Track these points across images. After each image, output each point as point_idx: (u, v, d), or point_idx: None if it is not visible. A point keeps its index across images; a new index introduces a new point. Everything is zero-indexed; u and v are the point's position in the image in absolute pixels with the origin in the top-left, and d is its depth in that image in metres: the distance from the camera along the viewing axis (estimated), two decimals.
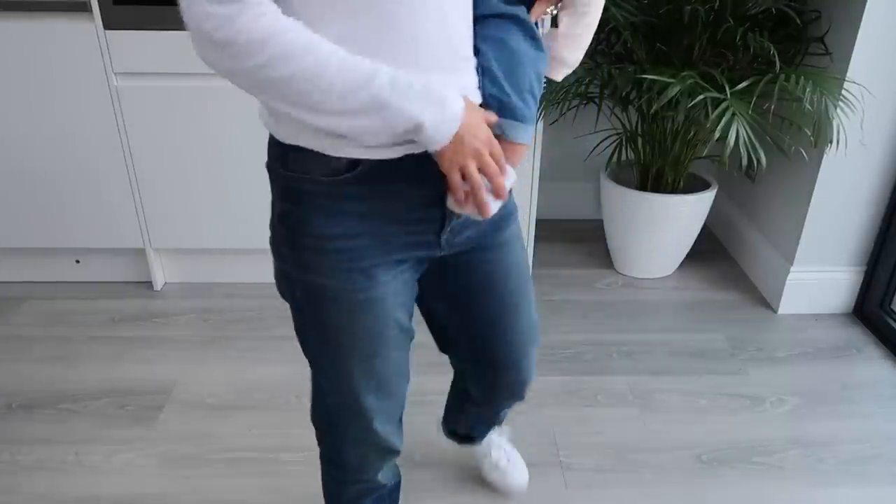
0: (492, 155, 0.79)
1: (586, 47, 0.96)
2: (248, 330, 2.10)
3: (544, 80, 0.92)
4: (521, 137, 0.85)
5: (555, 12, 0.92)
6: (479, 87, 0.85)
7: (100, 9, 1.86)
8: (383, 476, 1.15)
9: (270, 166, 0.87)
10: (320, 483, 1.55)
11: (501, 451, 1.51)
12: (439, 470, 1.61)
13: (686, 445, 1.68)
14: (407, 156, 0.81)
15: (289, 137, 0.81)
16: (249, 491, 1.54)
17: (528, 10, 0.88)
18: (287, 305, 2.20)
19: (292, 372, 1.92)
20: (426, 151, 0.80)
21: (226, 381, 1.88)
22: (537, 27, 0.91)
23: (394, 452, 1.09)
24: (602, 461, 1.63)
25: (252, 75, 0.71)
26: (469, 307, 1.03)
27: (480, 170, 0.78)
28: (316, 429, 1.08)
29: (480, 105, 0.84)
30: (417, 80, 0.75)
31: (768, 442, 1.69)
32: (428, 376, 1.67)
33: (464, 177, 0.79)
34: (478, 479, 1.58)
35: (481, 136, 0.78)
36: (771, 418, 1.77)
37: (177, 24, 1.88)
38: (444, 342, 1.14)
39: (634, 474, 1.60)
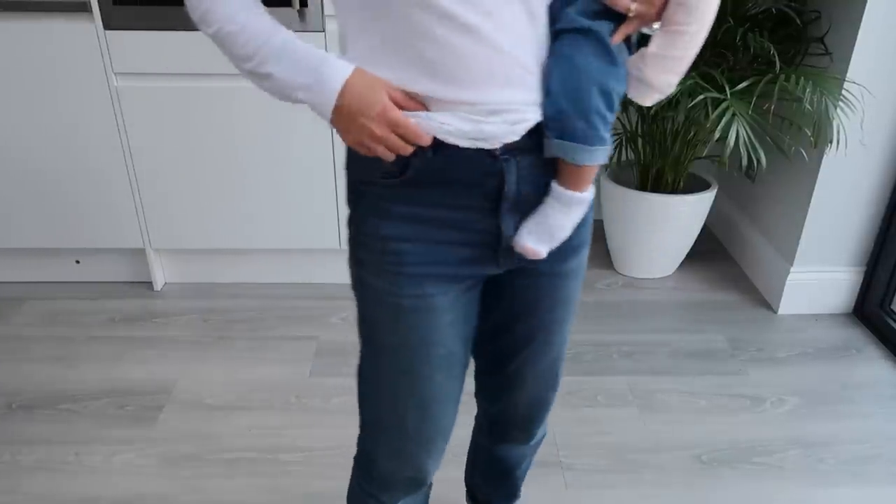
0: (398, 129, 0.77)
1: (682, 72, 0.84)
2: (249, 330, 2.10)
3: (623, 92, 0.84)
4: (581, 159, 0.80)
5: (652, 31, 0.83)
6: (541, 106, 0.81)
7: (100, 9, 1.87)
8: None
9: (345, 169, 0.89)
10: (320, 483, 1.56)
11: None
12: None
13: (686, 445, 1.68)
14: (453, 167, 0.80)
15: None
16: (249, 491, 1.54)
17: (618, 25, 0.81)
18: (287, 306, 2.20)
19: (292, 372, 1.92)
20: (475, 159, 0.80)
21: (226, 382, 1.88)
22: (630, 45, 0.84)
23: (421, 483, 1.04)
24: (602, 461, 1.63)
25: (199, 27, 0.83)
26: (507, 323, 1.00)
27: (385, 141, 0.78)
28: (360, 429, 1.03)
29: (542, 124, 0.81)
30: (306, 51, 0.77)
31: (768, 442, 1.69)
32: None
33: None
34: None
35: (372, 111, 0.76)
36: (771, 418, 1.77)
37: (177, 24, 1.89)
38: (476, 352, 1.09)
39: (634, 474, 1.60)
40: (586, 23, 0.79)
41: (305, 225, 2.19)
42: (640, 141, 2.26)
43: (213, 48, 1.90)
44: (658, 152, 2.22)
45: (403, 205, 0.83)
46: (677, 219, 2.25)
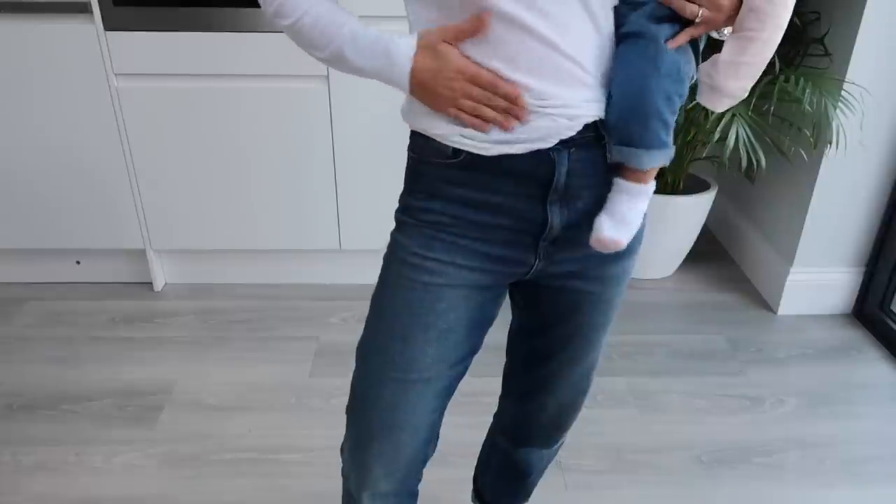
0: (481, 84, 0.79)
1: (755, 77, 0.84)
2: (249, 331, 2.10)
3: (684, 97, 0.84)
4: (641, 164, 0.82)
5: (724, 37, 0.84)
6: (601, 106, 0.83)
7: (100, 10, 1.87)
8: None
9: (408, 151, 0.92)
10: (320, 483, 1.56)
11: None
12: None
13: (686, 446, 1.68)
14: (506, 154, 0.82)
15: (411, 125, 0.89)
16: (249, 491, 1.54)
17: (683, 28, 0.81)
18: (287, 307, 2.20)
19: (292, 373, 1.92)
20: (530, 153, 0.82)
21: (226, 382, 1.88)
22: (698, 46, 0.85)
23: (370, 485, 1.02)
24: (602, 462, 1.63)
25: (272, 21, 0.87)
26: (542, 328, 1.00)
27: (477, 101, 0.80)
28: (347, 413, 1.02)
29: (595, 122, 0.82)
30: (375, 38, 0.83)
31: (768, 443, 1.69)
32: None
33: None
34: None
35: (451, 77, 0.80)
36: (770, 419, 1.77)
37: (177, 25, 1.89)
38: (508, 353, 1.10)
39: (634, 475, 1.60)
40: (650, 28, 0.79)
41: (305, 225, 2.19)
42: None
43: (213, 49, 1.91)
44: None
45: (456, 186, 0.86)
46: (677, 219, 2.25)
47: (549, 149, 0.82)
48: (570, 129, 0.81)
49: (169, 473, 1.59)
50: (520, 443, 1.18)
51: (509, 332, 1.08)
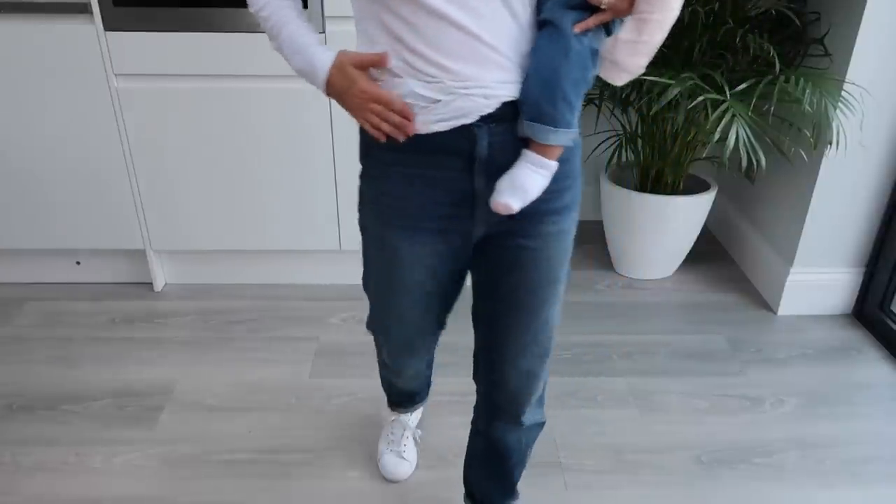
0: (380, 103, 0.94)
1: (651, 54, 0.95)
2: (249, 331, 2.10)
3: (590, 84, 0.94)
4: (547, 139, 0.92)
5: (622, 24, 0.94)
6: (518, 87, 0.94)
7: (100, 10, 1.87)
8: (404, 383, 1.46)
9: (358, 133, 1.06)
10: (320, 484, 1.56)
11: None
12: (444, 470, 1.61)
13: (686, 446, 1.68)
14: (435, 132, 0.95)
15: None
16: (249, 492, 1.54)
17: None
18: (287, 307, 2.21)
19: (292, 373, 1.92)
20: (455, 129, 0.94)
21: (226, 383, 1.88)
22: (611, 29, 0.94)
23: (396, 373, 1.38)
24: (602, 462, 1.63)
25: (249, 6, 1.02)
26: (492, 287, 1.10)
27: (377, 114, 0.95)
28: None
29: (513, 101, 0.94)
30: (304, 44, 0.98)
31: (768, 443, 1.69)
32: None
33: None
34: None
35: (353, 92, 0.95)
36: (771, 419, 1.77)
37: (177, 25, 1.89)
38: (473, 321, 1.19)
39: (634, 475, 1.60)
40: (562, 15, 0.89)
41: (306, 226, 2.19)
42: (639, 142, 2.26)
43: (213, 49, 1.91)
44: (658, 153, 2.23)
45: (399, 166, 1.00)
46: (677, 220, 2.25)
47: (472, 124, 0.93)
48: (488, 107, 0.93)
49: (169, 474, 1.59)
50: (491, 419, 1.25)
51: (472, 303, 1.16)
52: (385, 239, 1.06)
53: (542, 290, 1.07)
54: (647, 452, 1.66)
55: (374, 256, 1.12)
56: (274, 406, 1.80)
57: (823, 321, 2.18)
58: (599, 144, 2.49)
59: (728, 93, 1.84)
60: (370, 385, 1.87)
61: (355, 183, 2.11)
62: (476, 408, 1.30)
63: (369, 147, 1.04)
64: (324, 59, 0.96)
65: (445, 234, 1.04)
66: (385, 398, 1.64)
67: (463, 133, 0.94)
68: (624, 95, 2.12)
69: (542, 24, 0.91)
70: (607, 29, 0.93)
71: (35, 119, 2.02)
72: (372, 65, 0.94)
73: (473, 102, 0.92)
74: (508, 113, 0.94)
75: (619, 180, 2.36)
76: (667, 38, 2.03)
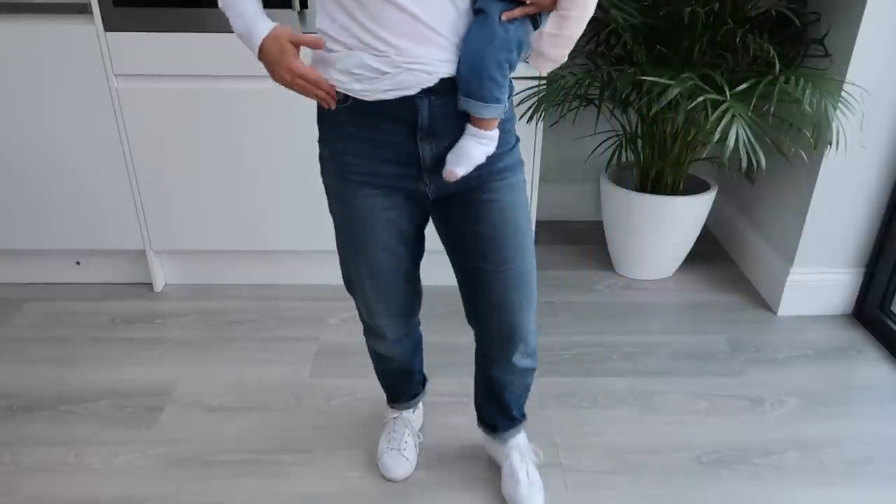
0: (307, 80, 1.07)
1: (570, 46, 1.08)
2: (249, 332, 2.10)
3: (514, 67, 1.07)
4: (479, 113, 1.06)
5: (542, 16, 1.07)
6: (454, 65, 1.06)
7: (100, 10, 1.87)
8: (390, 350, 1.45)
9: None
10: (320, 484, 1.56)
11: (523, 465, 1.51)
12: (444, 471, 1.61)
13: (686, 447, 1.68)
14: (382, 100, 1.06)
15: None
16: (249, 492, 1.54)
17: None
18: (287, 307, 2.21)
19: (292, 374, 1.92)
20: (399, 99, 1.06)
21: (226, 383, 1.88)
22: (538, 23, 1.07)
23: (381, 335, 1.39)
24: (602, 462, 1.63)
25: None
26: (462, 241, 1.22)
27: (303, 88, 1.08)
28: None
29: (450, 78, 1.06)
30: (250, 12, 1.08)
31: (768, 443, 1.69)
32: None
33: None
34: (476, 481, 1.58)
35: (283, 64, 1.07)
36: (770, 420, 1.77)
37: (177, 25, 1.89)
38: (457, 279, 1.31)
39: (634, 476, 1.60)
40: (491, 5, 1.01)
41: (305, 226, 2.19)
42: (639, 142, 2.26)
43: (214, 50, 1.91)
44: (658, 154, 2.23)
45: (352, 127, 1.12)
46: (677, 220, 2.25)
47: (414, 96, 1.06)
48: (429, 81, 1.05)
49: (169, 474, 1.59)
50: (486, 359, 1.41)
51: (451, 265, 1.29)
52: (346, 195, 1.18)
53: (507, 238, 1.19)
54: (647, 453, 1.66)
55: (339, 212, 1.22)
56: (274, 406, 1.80)
57: (823, 321, 2.18)
58: (599, 145, 2.49)
59: (728, 93, 1.84)
60: (370, 385, 1.87)
61: None
62: (475, 348, 1.44)
63: (324, 111, 1.14)
64: (261, 28, 1.07)
65: (398, 191, 1.16)
66: (385, 398, 1.64)
67: (406, 103, 1.07)
68: (624, 96, 2.12)
69: (476, 12, 1.03)
70: (535, 23, 1.06)
71: (35, 119, 2.02)
72: (307, 45, 1.06)
73: (416, 77, 1.04)
74: (447, 87, 1.06)
75: (619, 180, 2.36)
76: (667, 39, 2.04)
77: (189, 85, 1.97)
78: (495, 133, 1.10)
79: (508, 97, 1.10)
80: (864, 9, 1.79)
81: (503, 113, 1.09)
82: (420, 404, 1.69)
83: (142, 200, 2.15)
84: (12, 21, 1.90)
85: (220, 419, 1.76)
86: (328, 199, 1.25)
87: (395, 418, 1.63)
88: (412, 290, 1.34)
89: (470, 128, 1.09)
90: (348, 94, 1.08)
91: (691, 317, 2.20)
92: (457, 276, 1.29)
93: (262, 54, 1.08)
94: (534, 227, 2.23)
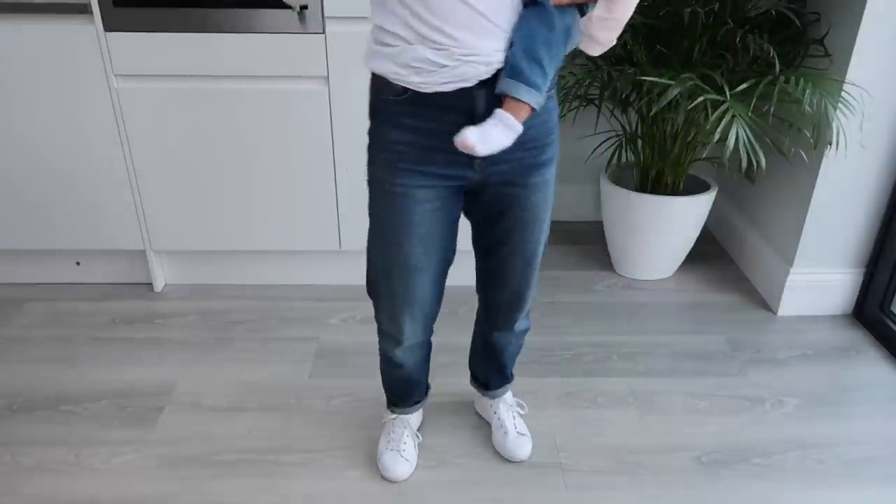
0: None
1: (619, 29, 1.13)
2: (249, 332, 2.10)
3: (561, 56, 1.11)
4: (516, 92, 1.07)
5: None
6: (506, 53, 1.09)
7: (100, 11, 1.87)
8: (404, 357, 1.46)
9: (368, 92, 1.21)
10: (320, 484, 1.56)
11: (510, 416, 1.66)
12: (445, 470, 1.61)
13: (686, 447, 1.68)
14: (440, 92, 1.09)
15: (373, 67, 1.14)
16: (249, 492, 1.54)
17: None
18: (287, 308, 2.21)
19: (292, 374, 1.92)
20: (457, 91, 1.09)
21: (226, 383, 1.88)
22: (584, 10, 1.12)
23: (398, 340, 1.40)
24: (602, 463, 1.63)
25: None
26: (487, 225, 1.30)
27: None
28: (366, 286, 1.39)
29: (503, 67, 1.08)
30: None
31: (768, 443, 1.69)
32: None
33: None
34: (475, 481, 1.58)
35: None
36: (771, 420, 1.77)
37: (177, 26, 1.89)
38: (477, 260, 1.40)
39: (634, 476, 1.60)
40: None
41: (305, 227, 2.19)
42: (639, 142, 2.26)
43: (214, 50, 1.91)
44: (658, 154, 2.23)
45: (406, 118, 1.14)
46: (677, 220, 2.25)
47: (471, 87, 1.09)
48: (486, 73, 1.08)
49: (169, 474, 1.59)
50: (488, 327, 1.52)
51: (472, 236, 1.37)
52: (392, 184, 1.19)
53: (531, 229, 1.29)
54: (647, 453, 1.66)
55: (382, 202, 1.23)
56: (274, 406, 1.80)
57: (823, 322, 2.18)
58: (599, 145, 2.49)
59: (728, 93, 1.84)
60: (370, 385, 1.87)
61: (355, 182, 2.11)
62: (478, 317, 1.56)
63: (377, 103, 1.18)
64: None
65: (444, 180, 1.20)
66: (386, 401, 1.64)
67: (463, 94, 1.09)
68: (624, 96, 2.12)
69: (529, 3, 1.07)
70: (582, 11, 1.11)
71: (35, 119, 2.03)
72: None
73: (474, 69, 1.07)
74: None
75: (619, 181, 2.36)
76: (667, 39, 2.04)
77: (189, 85, 1.97)
78: (520, 128, 1.10)
79: (549, 89, 1.14)
80: (864, 9, 1.79)
81: (539, 104, 1.10)
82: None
83: (142, 200, 2.15)
84: (12, 21, 1.90)
85: (220, 419, 1.76)
86: (371, 190, 1.25)
87: (393, 419, 1.63)
88: (436, 294, 1.36)
89: (500, 112, 1.09)
90: (407, 86, 1.11)
91: (691, 317, 2.20)
92: (476, 251, 1.39)
93: None
94: None
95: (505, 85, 1.07)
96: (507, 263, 1.34)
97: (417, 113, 1.13)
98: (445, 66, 1.06)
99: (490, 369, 1.63)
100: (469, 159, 1.17)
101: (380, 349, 1.50)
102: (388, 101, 1.15)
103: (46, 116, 2.02)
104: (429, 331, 1.44)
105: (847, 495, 1.55)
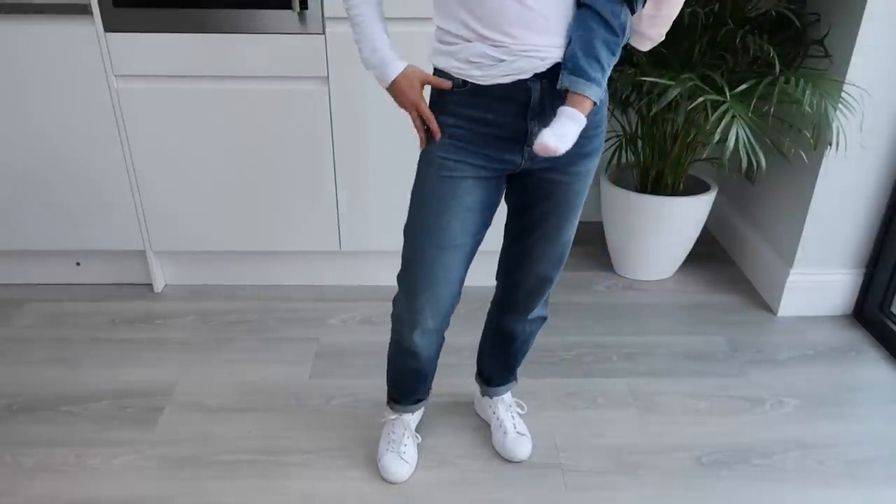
0: (420, 113, 1.24)
1: (668, 25, 1.21)
2: (249, 332, 2.10)
3: (617, 52, 1.16)
4: (579, 88, 1.12)
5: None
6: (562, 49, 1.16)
7: (100, 11, 1.87)
8: (419, 343, 1.45)
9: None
10: (320, 485, 1.56)
11: (509, 416, 1.67)
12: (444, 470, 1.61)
13: (686, 447, 1.68)
14: (498, 84, 1.17)
15: (436, 63, 1.23)
16: (249, 493, 1.54)
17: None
18: (287, 308, 2.21)
19: (292, 374, 1.92)
20: (514, 82, 1.16)
21: (226, 384, 1.88)
22: (632, 8, 1.17)
23: (416, 323, 1.40)
24: (602, 463, 1.63)
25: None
26: (527, 211, 1.35)
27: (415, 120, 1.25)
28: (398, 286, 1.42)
29: (560, 63, 1.15)
30: (383, 49, 1.22)
31: (768, 444, 1.69)
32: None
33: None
34: (475, 481, 1.58)
35: (408, 99, 1.24)
36: (770, 420, 1.77)
37: (177, 26, 1.89)
38: (506, 234, 1.44)
39: (634, 476, 1.60)
40: (593, 1, 1.12)
41: (305, 227, 2.19)
42: (639, 143, 2.26)
43: (213, 50, 1.91)
44: (658, 154, 2.23)
45: (465, 107, 1.22)
46: (677, 221, 2.25)
47: (527, 79, 1.16)
48: (542, 67, 1.15)
49: (169, 475, 1.59)
50: (504, 310, 1.52)
51: (506, 219, 1.42)
52: (446, 159, 1.26)
53: (567, 215, 1.34)
54: (648, 453, 1.66)
55: (431, 175, 1.28)
56: (274, 407, 1.80)
57: (823, 322, 2.18)
58: None
59: (728, 94, 1.84)
60: (370, 386, 1.87)
61: (356, 183, 2.11)
62: (493, 302, 1.56)
63: (441, 93, 1.25)
64: (396, 67, 1.23)
65: (495, 164, 1.26)
66: (386, 400, 1.65)
67: (520, 86, 1.17)
68: (624, 97, 2.12)
69: (582, 5, 1.13)
70: (631, 8, 1.15)
71: (35, 120, 2.03)
72: (434, 85, 1.22)
73: (531, 63, 1.14)
74: (555, 72, 1.15)
75: (620, 181, 2.36)
76: (666, 40, 2.04)
77: (189, 85, 1.97)
78: (584, 120, 1.15)
79: (605, 87, 1.19)
80: (864, 9, 1.79)
81: (599, 97, 1.15)
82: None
83: (142, 201, 2.15)
84: (12, 21, 1.90)
85: (220, 420, 1.76)
86: (421, 166, 1.30)
87: (393, 420, 1.63)
88: (460, 277, 1.38)
89: (566, 109, 1.14)
90: (467, 80, 1.18)
91: (691, 317, 2.20)
92: (507, 235, 1.43)
93: (393, 87, 1.24)
94: None
95: (568, 81, 1.13)
96: (538, 248, 1.38)
97: (476, 104, 1.21)
98: (503, 60, 1.14)
99: (498, 362, 1.63)
100: (521, 146, 1.23)
101: (392, 340, 1.48)
102: (449, 92, 1.22)
103: (46, 117, 2.02)
104: (446, 320, 1.43)
105: (847, 495, 1.55)
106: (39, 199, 2.15)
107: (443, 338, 1.48)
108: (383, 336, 2.00)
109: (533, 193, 1.32)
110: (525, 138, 1.23)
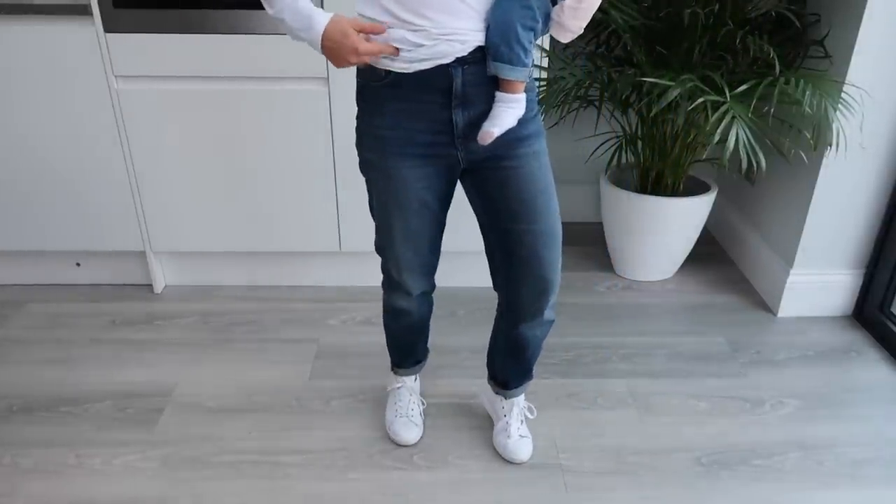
0: (366, 52, 1.15)
1: (588, 18, 1.20)
2: (249, 333, 2.10)
3: (538, 30, 1.18)
4: (507, 75, 1.16)
5: None
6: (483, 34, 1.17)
7: (100, 12, 1.87)
8: (408, 306, 1.54)
9: (356, 77, 1.28)
10: (320, 485, 1.56)
11: (517, 419, 1.66)
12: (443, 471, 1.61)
13: (686, 448, 1.68)
14: (419, 71, 1.17)
15: None
16: (250, 494, 1.54)
17: None
18: (286, 309, 2.21)
19: (292, 374, 1.92)
20: (435, 68, 1.17)
21: (226, 384, 1.88)
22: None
23: (405, 289, 1.49)
24: (602, 464, 1.63)
25: None
26: (494, 205, 1.33)
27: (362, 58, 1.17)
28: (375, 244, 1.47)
29: (481, 47, 1.17)
30: (305, 6, 1.15)
31: (768, 445, 1.69)
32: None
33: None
34: (476, 482, 1.58)
35: (347, 47, 1.14)
36: (771, 421, 1.77)
37: (177, 27, 1.89)
38: (486, 245, 1.42)
39: (634, 477, 1.60)
40: None
41: (305, 228, 2.19)
42: (639, 143, 2.26)
43: (213, 51, 1.91)
44: (658, 155, 2.23)
45: (391, 101, 1.22)
46: (677, 221, 2.25)
47: (448, 65, 1.17)
48: (463, 51, 1.16)
49: (169, 475, 1.59)
50: (513, 321, 1.49)
51: (484, 236, 1.41)
52: (384, 167, 1.28)
53: (534, 199, 1.30)
54: (647, 454, 1.66)
55: (379, 182, 1.32)
56: (274, 407, 1.80)
57: (823, 323, 2.18)
58: (599, 146, 2.49)
59: (728, 94, 1.84)
60: (370, 386, 1.87)
61: (356, 184, 2.11)
62: (499, 313, 1.54)
63: (364, 87, 1.25)
64: (321, 18, 1.15)
65: (433, 159, 1.27)
66: (390, 367, 1.73)
67: (441, 72, 1.17)
68: (624, 97, 2.12)
69: None
70: None
71: (35, 120, 2.03)
72: (367, 31, 1.16)
73: (451, 47, 1.15)
74: (477, 57, 1.17)
75: (619, 182, 2.36)
76: (667, 40, 2.04)
77: (189, 86, 1.97)
78: (522, 96, 1.19)
79: (531, 65, 1.21)
80: (864, 9, 1.79)
81: (528, 77, 1.19)
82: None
83: (142, 201, 2.15)
84: (12, 21, 1.90)
85: (220, 420, 1.76)
86: (367, 172, 1.34)
87: (399, 388, 1.71)
88: (435, 249, 1.45)
89: (500, 94, 1.19)
90: (389, 69, 1.19)
91: (691, 318, 2.20)
92: (490, 242, 1.41)
93: (325, 41, 1.15)
94: None
95: (495, 68, 1.16)
96: (522, 243, 1.35)
97: (399, 96, 1.21)
98: (423, 45, 1.15)
99: (513, 367, 1.60)
100: (451, 138, 1.25)
101: (385, 304, 1.57)
102: (371, 87, 1.23)
103: (46, 117, 2.02)
104: (431, 281, 1.52)
105: (847, 496, 1.55)
106: (39, 199, 2.15)
107: (431, 298, 1.58)
108: (383, 336, 2.00)
109: (489, 184, 1.31)
110: (452, 129, 1.23)
